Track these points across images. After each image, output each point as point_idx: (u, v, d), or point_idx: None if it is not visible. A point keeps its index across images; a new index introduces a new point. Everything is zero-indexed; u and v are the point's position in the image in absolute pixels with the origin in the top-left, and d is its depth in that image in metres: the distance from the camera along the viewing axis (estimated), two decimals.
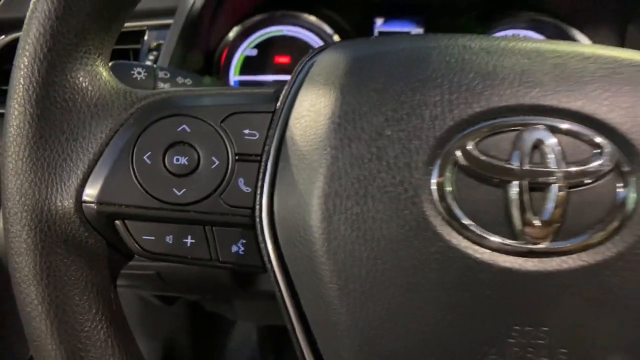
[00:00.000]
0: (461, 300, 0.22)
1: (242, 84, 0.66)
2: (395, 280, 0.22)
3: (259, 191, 0.25)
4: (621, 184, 0.22)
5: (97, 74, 0.26)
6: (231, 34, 0.62)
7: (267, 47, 0.66)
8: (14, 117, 0.25)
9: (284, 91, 0.27)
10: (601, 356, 0.22)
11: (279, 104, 0.26)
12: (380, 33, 0.69)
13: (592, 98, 0.22)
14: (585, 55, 0.24)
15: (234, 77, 0.66)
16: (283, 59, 0.67)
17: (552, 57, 0.24)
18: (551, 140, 0.22)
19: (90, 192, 0.26)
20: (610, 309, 0.22)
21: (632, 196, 0.22)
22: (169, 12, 0.55)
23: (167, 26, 0.54)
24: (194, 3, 0.53)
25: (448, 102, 0.23)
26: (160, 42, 0.54)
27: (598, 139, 0.22)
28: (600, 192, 0.22)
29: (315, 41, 0.66)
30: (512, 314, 0.22)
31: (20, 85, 0.24)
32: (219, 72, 0.63)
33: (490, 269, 0.22)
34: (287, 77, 0.28)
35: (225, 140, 0.26)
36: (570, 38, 0.60)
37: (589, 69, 0.23)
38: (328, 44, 0.28)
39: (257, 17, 0.62)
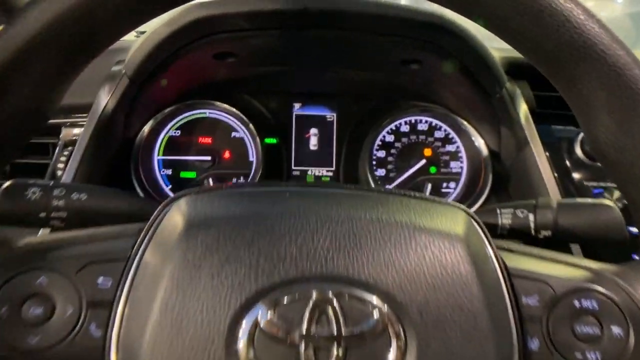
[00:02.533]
0: None
1: (164, 163, 0.70)
2: None
3: (108, 335, 0.29)
4: (392, 345, 0.27)
5: None
6: (146, 128, 0.67)
7: (190, 128, 0.71)
8: None
9: (138, 240, 0.31)
10: None
11: (133, 251, 0.30)
12: (297, 116, 0.75)
13: (372, 267, 0.27)
14: (373, 220, 0.29)
15: (157, 156, 0.70)
16: (206, 140, 0.72)
17: (340, 227, 0.29)
18: (335, 305, 0.27)
19: None
20: None
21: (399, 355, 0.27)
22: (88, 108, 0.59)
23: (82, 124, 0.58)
24: (107, 103, 0.57)
25: (255, 273, 0.27)
26: (75, 138, 0.58)
27: (374, 301, 0.27)
28: (375, 352, 0.27)
29: (236, 123, 0.71)
30: None
31: None
32: (138, 153, 0.67)
33: None
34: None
35: (80, 289, 0.30)
36: (457, 124, 0.68)
37: (370, 235, 0.28)
38: (179, 194, 0.32)
39: (170, 108, 0.67)
